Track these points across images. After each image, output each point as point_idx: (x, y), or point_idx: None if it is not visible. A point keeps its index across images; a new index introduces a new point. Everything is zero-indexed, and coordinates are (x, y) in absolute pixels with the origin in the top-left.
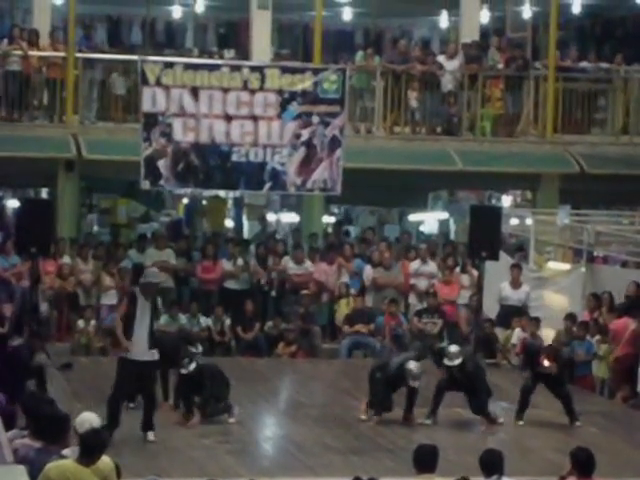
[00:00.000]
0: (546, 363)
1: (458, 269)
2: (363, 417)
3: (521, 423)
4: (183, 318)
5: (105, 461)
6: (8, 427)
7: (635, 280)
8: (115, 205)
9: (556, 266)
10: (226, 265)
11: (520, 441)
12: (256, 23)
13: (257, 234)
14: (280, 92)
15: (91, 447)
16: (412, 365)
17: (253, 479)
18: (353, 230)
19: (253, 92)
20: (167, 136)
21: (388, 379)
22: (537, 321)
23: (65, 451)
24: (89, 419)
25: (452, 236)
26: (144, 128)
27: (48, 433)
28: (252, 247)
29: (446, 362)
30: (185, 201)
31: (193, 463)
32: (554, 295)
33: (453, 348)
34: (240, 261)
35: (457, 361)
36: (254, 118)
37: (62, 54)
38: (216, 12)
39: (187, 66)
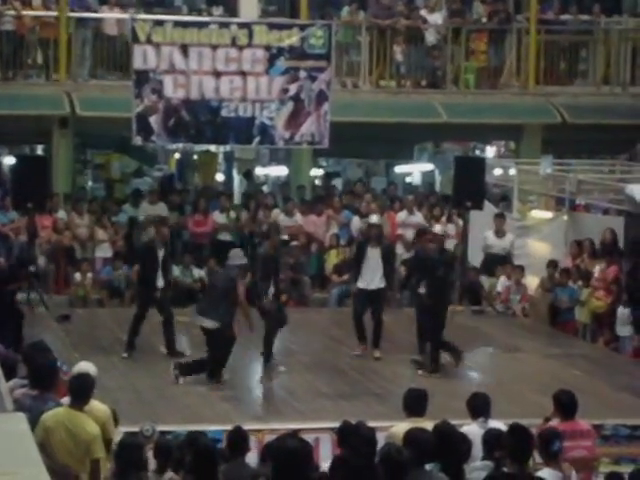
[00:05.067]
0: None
1: (444, 219)
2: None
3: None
4: (176, 270)
5: (102, 409)
6: (8, 377)
7: (611, 227)
8: (109, 161)
9: (539, 214)
10: (219, 218)
11: (504, 384)
12: None
13: (246, 188)
14: (268, 48)
15: (78, 390)
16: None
17: (242, 425)
18: (340, 182)
19: (241, 48)
20: (158, 92)
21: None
22: (521, 269)
23: (63, 399)
24: (86, 368)
25: (437, 187)
26: (135, 85)
27: (40, 381)
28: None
29: None
30: (177, 156)
31: (188, 410)
32: (537, 243)
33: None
34: (233, 214)
35: None
36: (243, 74)
37: (55, 13)
38: None
39: (177, 24)
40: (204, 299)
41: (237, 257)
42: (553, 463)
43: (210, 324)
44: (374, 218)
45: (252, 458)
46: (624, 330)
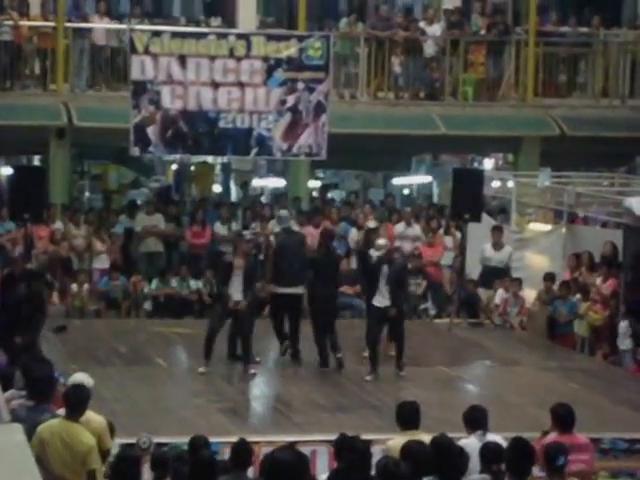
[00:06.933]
0: None
1: (441, 231)
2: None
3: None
4: (174, 281)
5: (98, 420)
6: (6, 388)
7: (611, 240)
8: (106, 171)
9: (537, 227)
10: (220, 229)
11: (502, 397)
12: None
13: (241, 199)
14: (266, 59)
15: (73, 402)
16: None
17: (244, 437)
18: (338, 194)
19: (239, 59)
20: (156, 103)
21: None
22: (519, 281)
23: (60, 410)
24: (81, 379)
25: (435, 199)
26: (133, 96)
27: (37, 392)
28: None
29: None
30: (174, 167)
31: (185, 422)
32: (535, 255)
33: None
34: (234, 225)
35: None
36: (240, 85)
37: (52, 24)
38: None
39: (175, 34)
40: (282, 269)
41: (285, 219)
42: (557, 478)
43: (301, 290)
44: (372, 223)
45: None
46: (624, 343)
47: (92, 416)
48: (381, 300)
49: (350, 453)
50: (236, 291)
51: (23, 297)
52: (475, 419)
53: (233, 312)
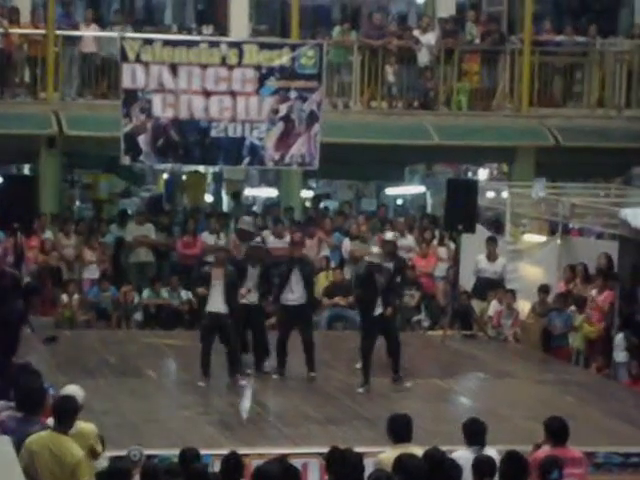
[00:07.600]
0: None
1: (435, 242)
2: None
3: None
4: (164, 292)
5: (89, 429)
6: None
7: (606, 252)
8: (96, 181)
9: (532, 238)
10: (209, 239)
11: (495, 410)
12: None
13: (233, 209)
14: (258, 68)
15: (62, 413)
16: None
17: (234, 449)
18: (331, 204)
19: (231, 68)
20: (147, 112)
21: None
22: (513, 293)
23: (49, 421)
24: (73, 391)
25: (429, 209)
26: (124, 104)
27: (26, 404)
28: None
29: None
30: (165, 176)
31: (174, 434)
32: (530, 267)
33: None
34: (223, 236)
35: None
36: (232, 94)
37: (42, 31)
38: None
39: (166, 42)
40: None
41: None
42: None
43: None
44: (389, 235)
45: None
46: (620, 356)
47: (83, 425)
48: (376, 309)
49: (342, 466)
50: (216, 302)
51: (23, 314)
52: (473, 433)
53: (217, 324)
